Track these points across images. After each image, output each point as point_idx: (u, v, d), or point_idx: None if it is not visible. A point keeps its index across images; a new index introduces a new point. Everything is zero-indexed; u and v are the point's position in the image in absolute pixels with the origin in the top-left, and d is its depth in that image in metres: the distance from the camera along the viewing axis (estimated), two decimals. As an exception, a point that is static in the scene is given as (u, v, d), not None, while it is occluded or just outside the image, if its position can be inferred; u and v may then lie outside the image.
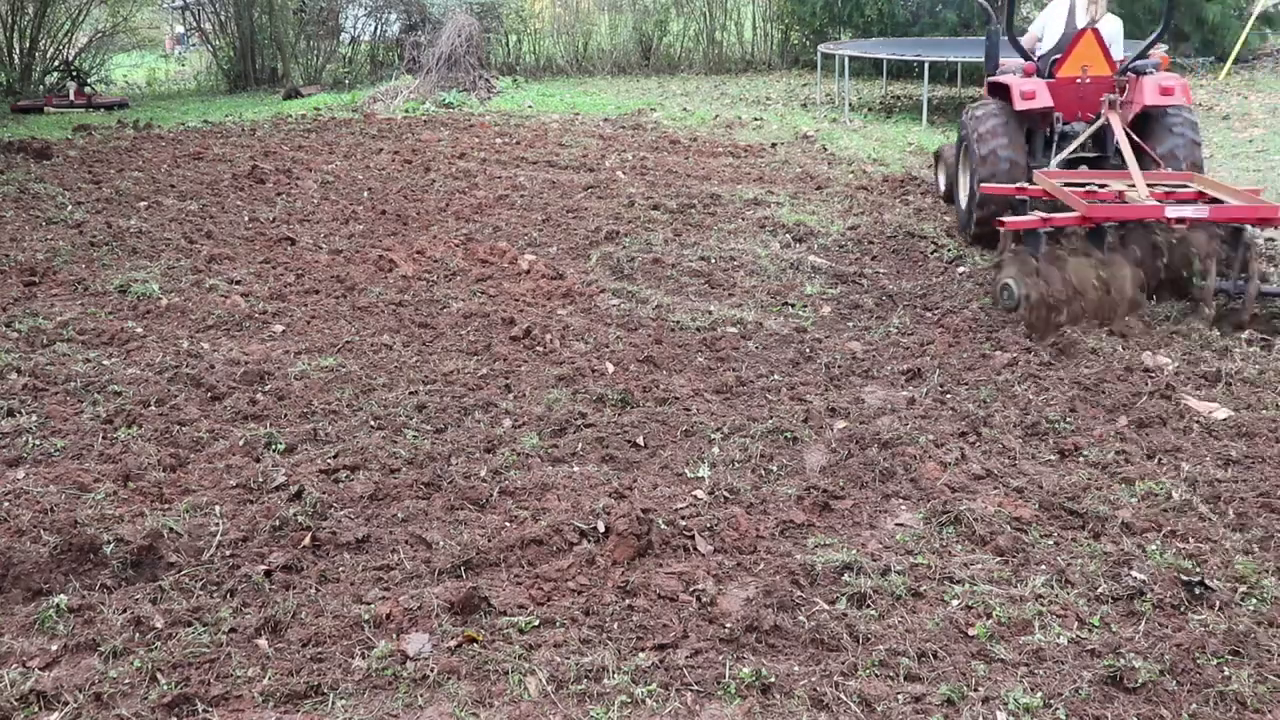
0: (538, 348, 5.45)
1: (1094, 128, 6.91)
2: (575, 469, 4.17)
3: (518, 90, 16.32)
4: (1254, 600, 3.28)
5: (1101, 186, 6.14)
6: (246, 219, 8.01)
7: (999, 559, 3.54)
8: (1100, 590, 3.35)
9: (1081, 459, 4.24)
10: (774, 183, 9.30)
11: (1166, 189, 6.10)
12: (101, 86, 17.80)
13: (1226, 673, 2.94)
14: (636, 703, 2.87)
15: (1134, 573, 3.41)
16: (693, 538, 3.64)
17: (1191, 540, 3.63)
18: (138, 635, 3.12)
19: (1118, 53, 7.12)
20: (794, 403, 4.79)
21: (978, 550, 3.60)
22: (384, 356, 5.33)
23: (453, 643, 3.11)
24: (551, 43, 19.36)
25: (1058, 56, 7.13)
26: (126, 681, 2.94)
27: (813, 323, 5.88)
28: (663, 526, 3.64)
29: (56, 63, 17.71)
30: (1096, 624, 3.19)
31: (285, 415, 4.65)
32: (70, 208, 8.22)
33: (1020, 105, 6.92)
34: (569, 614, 3.25)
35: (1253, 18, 15.95)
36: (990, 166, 6.86)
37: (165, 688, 2.90)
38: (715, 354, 5.40)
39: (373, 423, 4.58)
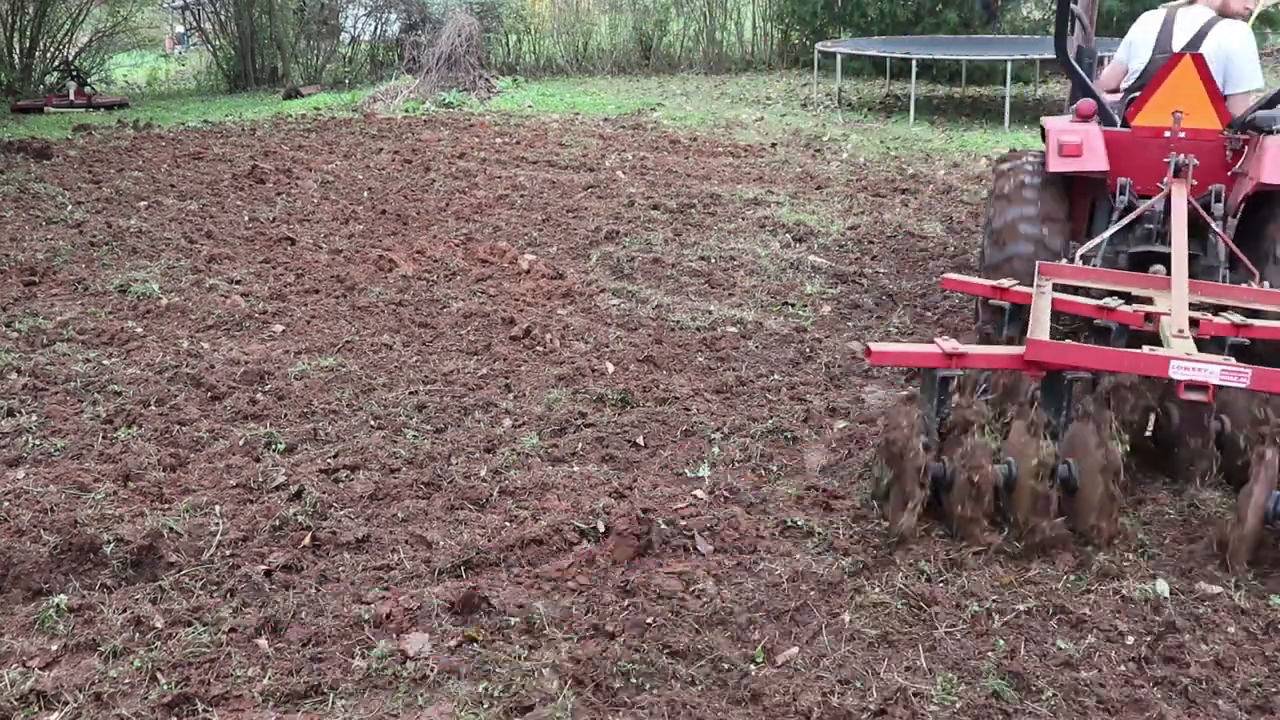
0: (538, 348, 5.45)
1: (1151, 202, 4.68)
2: (575, 469, 4.17)
3: (518, 90, 16.32)
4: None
5: (1129, 300, 4.26)
6: (246, 219, 8.01)
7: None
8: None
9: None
10: (774, 183, 9.30)
11: (1231, 320, 4.04)
12: (101, 86, 17.79)
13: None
14: (637, 703, 2.88)
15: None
16: (693, 538, 3.65)
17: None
18: (138, 635, 3.13)
19: (1239, 83, 4.89)
20: (794, 403, 4.79)
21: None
22: (384, 356, 5.33)
23: (453, 642, 3.11)
24: (551, 43, 19.34)
25: (1136, 94, 4.97)
26: (126, 681, 2.94)
27: (813, 323, 5.88)
28: (663, 526, 3.64)
29: (56, 62, 17.70)
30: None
31: (285, 415, 4.65)
32: (70, 208, 8.22)
33: (1055, 166, 4.75)
34: (569, 613, 3.25)
35: (1252, 17, 15.94)
36: (1007, 245, 4.80)
37: (165, 688, 2.90)
38: (715, 354, 5.40)
39: (373, 423, 4.58)
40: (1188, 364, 3.37)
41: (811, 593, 3.36)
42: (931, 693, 2.90)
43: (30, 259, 6.81)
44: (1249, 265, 4.48)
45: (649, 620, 3.19)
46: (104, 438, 4.40)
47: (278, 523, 3.71)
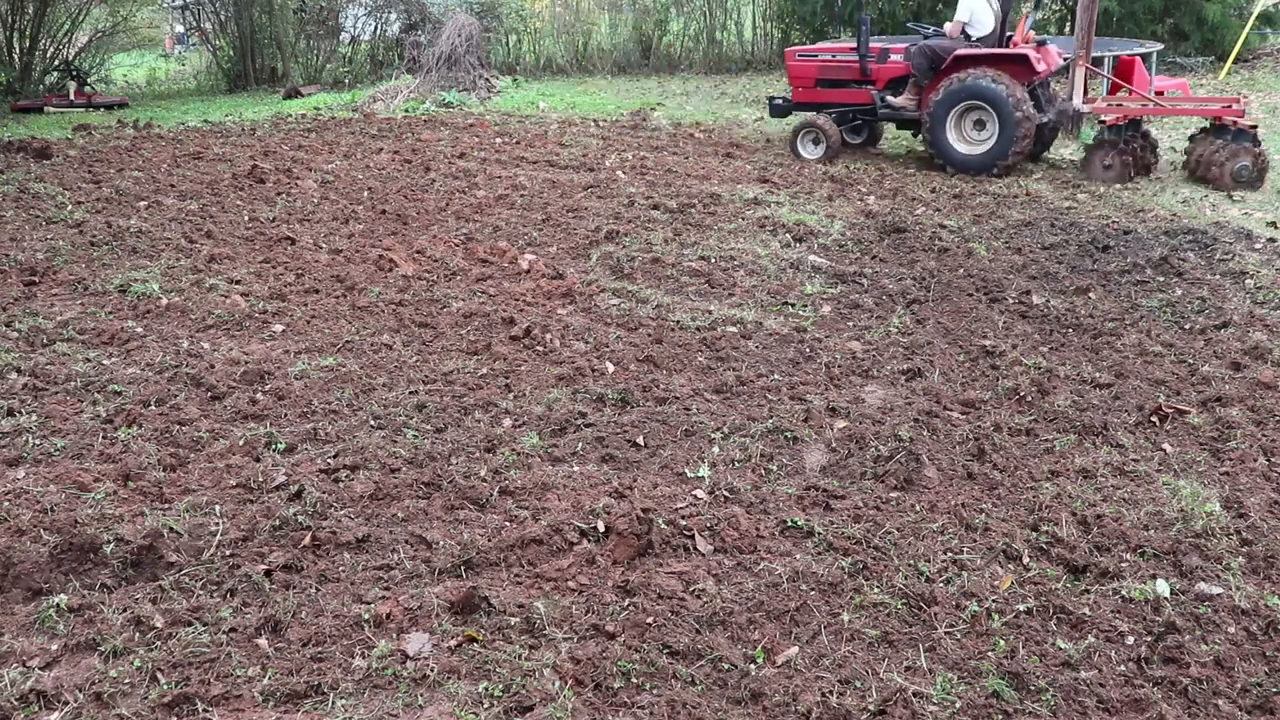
0: (538, 347, 5.45)
1: (1080, 82, 9.65)
2: (575, 469, 4.17)
3: (518, 90, 16.32)
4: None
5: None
6: (246, 219, 8.01)
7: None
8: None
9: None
10: (774, 183, 9.30)
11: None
12: (101, 86, 17.80)
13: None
14: (638, 702, 2.88)
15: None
16: (693, 537, 3.65)
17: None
18: (138, 635, 3.13)
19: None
20: (794, 402, 4.79)
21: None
22: (384, 356, 5.33)
23: (453, 642, 3.11)
24: (551, 42, 19.34)
25: (1010, 35, 9.76)
26: (126, 681, 2.94)
27: (813, 322, 5.88)
28: (663, 526, 3.64)
29: (56, 62, 17.71)
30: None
31: (285, 415, 4.65)
32: (70, 207, 8.22)
33: (1039, 68, 9.38)
34: (569, 613, 3.25)
35: (1253, 17, 15.95)
36: (1025, 116, 9.14)
37: (165, 687, 2.91)
38: (715, 354, 5.40)
39: (373, 422, 4.58)
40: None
41: (811, 593, 3.36)
42: (931, 693, 2.90)
43: (30, 259, 6.80)
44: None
45: (649, 620, 3.19)
46: (104, 438, 4.40)
47: (278, 523, 3.71)
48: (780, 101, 10.85)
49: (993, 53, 9.45)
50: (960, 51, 9.48)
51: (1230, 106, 9.20)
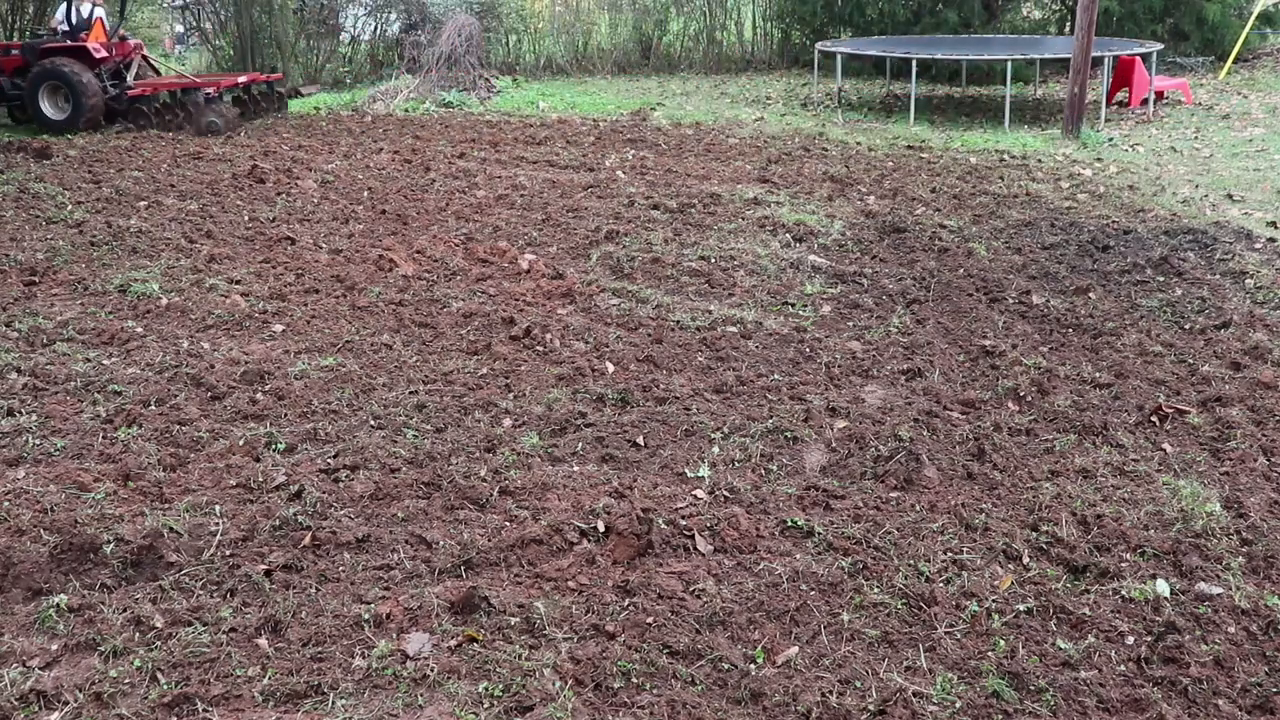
0: (538, 347, 5.45)
1: (135, 67, 12.91)
2: (575, 469, 4.17)
3: (518, 90, 16.32)
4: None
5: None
6: (246, 219, 8.01)
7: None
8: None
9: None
10: (774, 182, 9.30)
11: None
12: (101, 86, 17.75)
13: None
14: (638, 702, 2.88)
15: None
16: (693, 537, 3.65)
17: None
18: (138, 635, 3.13)
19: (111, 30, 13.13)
20: (794, 402, 4.79)
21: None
22: (384, 356, 5.33)
23: (453, 642, 3.11)
24: (551, 42, 19.34)
25: (83, 34, 12.62)
26: (126, 681, 2.94)
27: (813, 322, 5.88)
28: (663, 526, 3.64)
29: (56, 62, 17.69)
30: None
31: (285, 415, 4.65)
32: (70, 207, 8.22)
33: (99, 56, 12.37)
34: (569, 613, 3.25)
35: (1253, 17, 15.96)
36: (95, 87, 12.13)
37: (165, 687, 2.91)
38: (715, 354, 5.40)
39: (373, 422, 4.58)
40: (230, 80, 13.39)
41: (811, 593, 3.36)
42: (931, 693, 2.90)
43: (30, 259, 6.81)
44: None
45: (649, 620, 3.19)
46: (104, 438, 4.40)
47: (278, 523, 3.71)
48: None
49: (65, 46, 12.52)
50: (45, 45, 12.61)
51: (223, 82, 13.04)
